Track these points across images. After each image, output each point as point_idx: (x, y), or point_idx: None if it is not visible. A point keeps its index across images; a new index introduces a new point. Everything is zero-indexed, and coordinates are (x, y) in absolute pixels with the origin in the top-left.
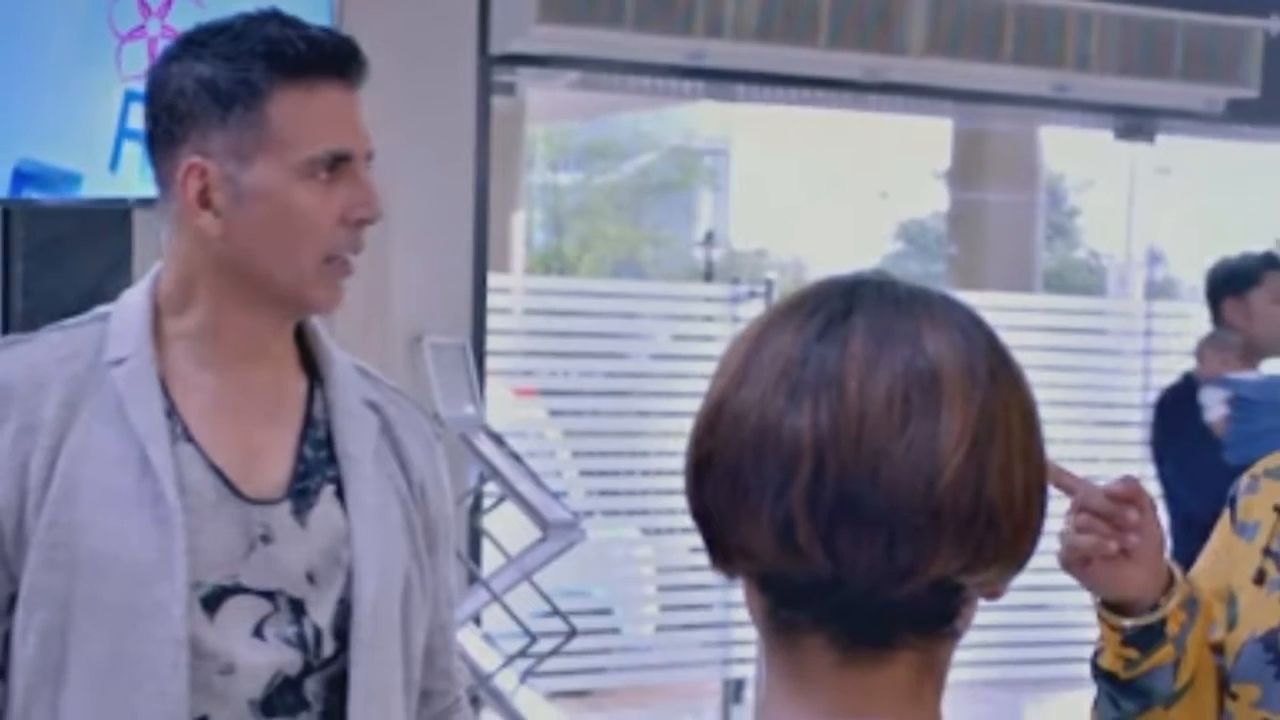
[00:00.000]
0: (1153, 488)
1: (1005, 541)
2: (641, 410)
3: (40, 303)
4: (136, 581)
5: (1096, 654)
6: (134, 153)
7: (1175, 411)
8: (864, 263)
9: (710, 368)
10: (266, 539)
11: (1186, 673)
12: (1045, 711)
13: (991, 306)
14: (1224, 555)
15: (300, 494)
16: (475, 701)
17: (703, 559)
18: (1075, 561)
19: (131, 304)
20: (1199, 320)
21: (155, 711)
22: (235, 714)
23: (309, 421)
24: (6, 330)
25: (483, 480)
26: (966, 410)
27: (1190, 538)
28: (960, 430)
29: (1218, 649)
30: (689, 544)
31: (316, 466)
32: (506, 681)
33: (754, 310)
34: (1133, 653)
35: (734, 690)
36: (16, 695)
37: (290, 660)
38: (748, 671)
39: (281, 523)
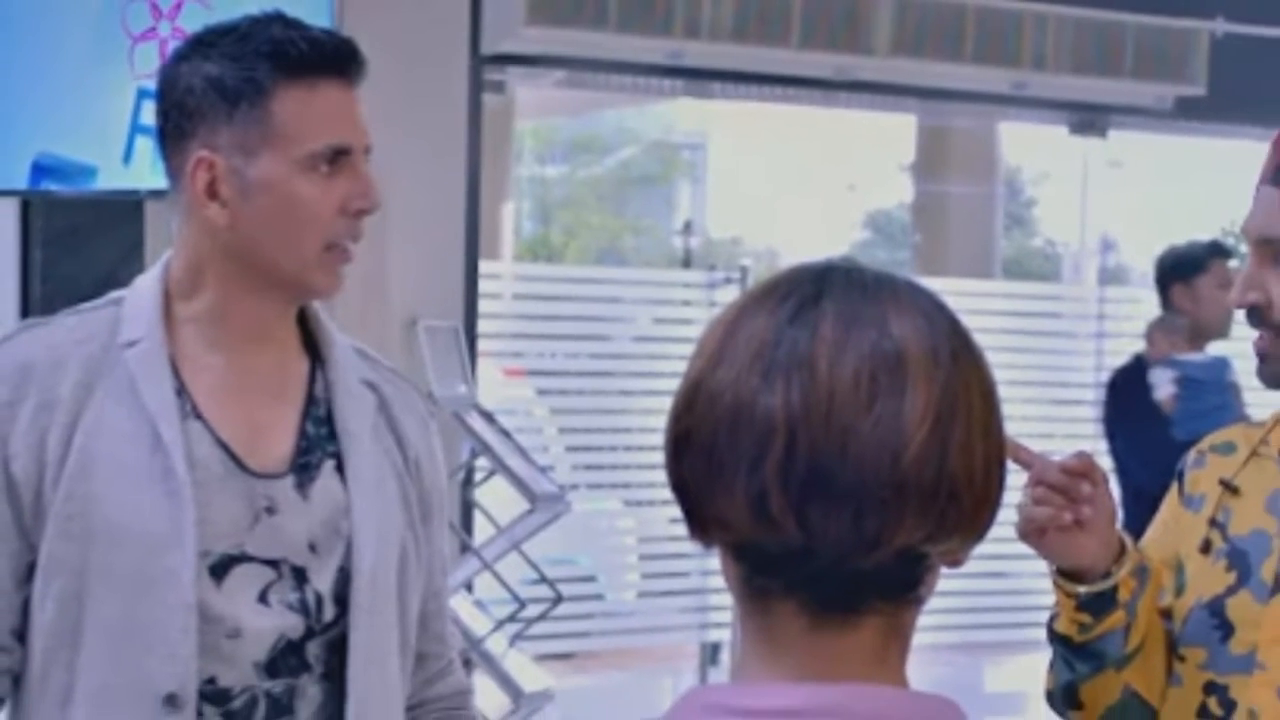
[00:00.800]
0: (1105, 462)
1: (966, 513)
2: (624, 389)
3: (58, 288)
4: (149, 550)
5: (1052, 619)
6: (146, 147)
7: (1126, 390)
8: (833, 250)
9: (688, 349)
10: (271, 510)
11: (1137, 636)
12: (1003, 673)
13: (953, 292)
14: (1172, 526)
15: (302, 468)
16: (467, 664)
17: (681, 529)
18: (1032, 532)
19: (144, 289)
20: (1149, 305)
21: (166, 673)
22: (241, 675)
23: (311, 400)
24: (26, 314)
25: (474, 455)
26: (930, 389)
27: (1140, 509)
28: (924, 408)
29: (1166, 614)
30: (668, 515)
31: (318, 442)
32: (496, 645)
33: (729, 295)
34: (1086, 618)
35: (710, 653)
36: (36, 658)
37: (293, 625)
38: (724, 635)
39: (285, 495)
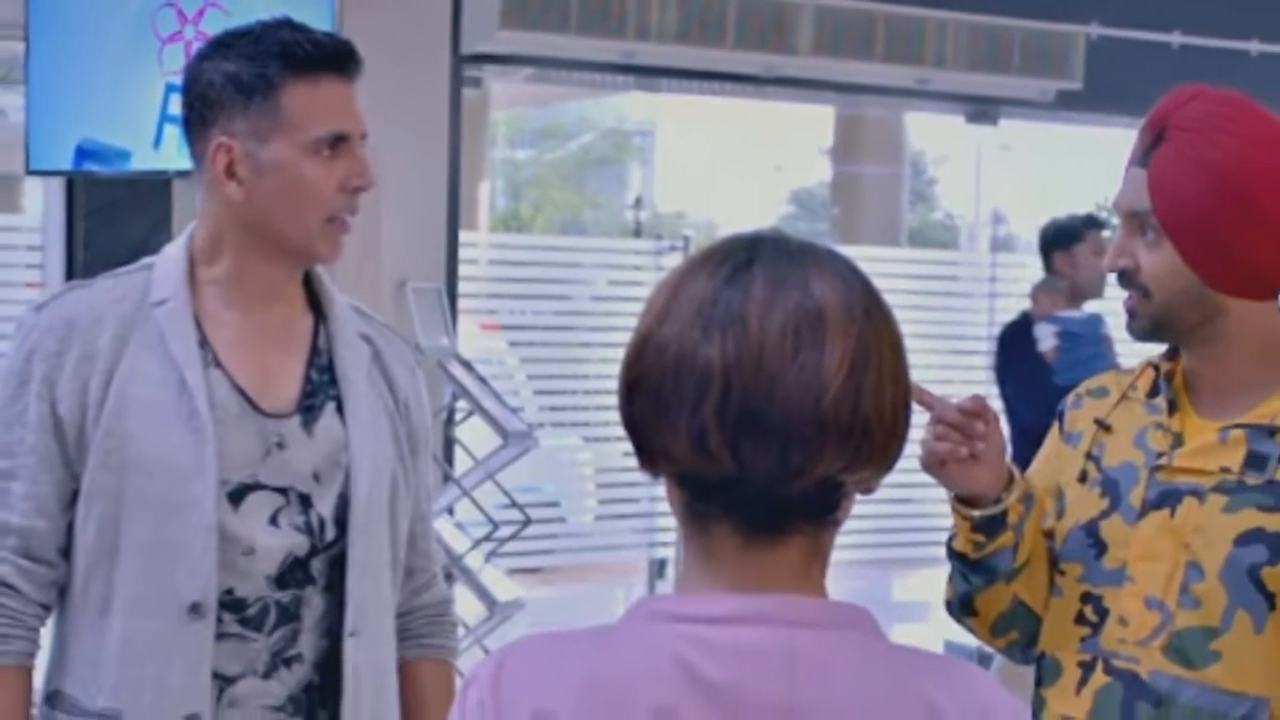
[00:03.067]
0: (996, 405)
1: (878, 447)
2: (584, 342)
3: (97, 255)
4: (175, 480)
5: (950, 539)
6: (173, 134)
7: (1014, 343)
8: (763, 223)
9: (639, 308)
10: (280, 445)
11: (1023, 554)
12: (909, 585)
13: (866, 258)
14: (1054, 459)
15: (308, 409)
16: (449, 577)
17: (633, 461)
18: (933, 464)
19: (171, 256)
20: (1034, 269)
21: (190, 585)
22: (255, 587)
23: (314, 350)
24: (70, 277)
25: (455, 398)
26: (846, 342)
27: (1026, 445)
28: (841, 358)
29: (1049, 535)
30: (622, 449)
31: (321, 387)
32: (474, 560)
33: (674, 261)
34: (980, 537)
35: (658, 568)
36: (78, 573)
37: (299, 543)
38: (669, 553)
39: (292, 432)
